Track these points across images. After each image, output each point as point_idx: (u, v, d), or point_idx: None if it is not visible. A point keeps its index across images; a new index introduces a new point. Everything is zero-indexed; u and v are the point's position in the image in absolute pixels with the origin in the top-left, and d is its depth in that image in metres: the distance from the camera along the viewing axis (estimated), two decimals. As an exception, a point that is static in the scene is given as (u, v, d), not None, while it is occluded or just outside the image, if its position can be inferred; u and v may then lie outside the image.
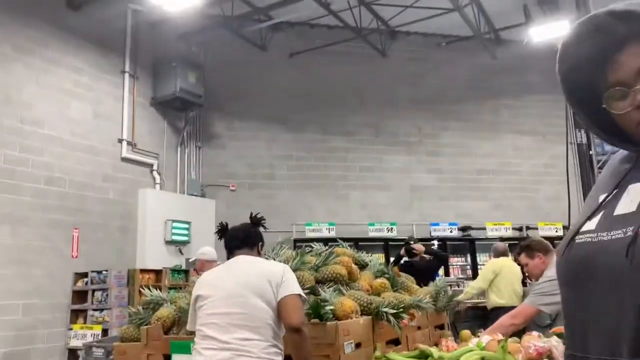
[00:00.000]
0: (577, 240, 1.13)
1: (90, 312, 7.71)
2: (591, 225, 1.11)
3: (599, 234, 1.08)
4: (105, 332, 7.27)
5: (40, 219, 7.82)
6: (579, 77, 1.15)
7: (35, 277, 7.67)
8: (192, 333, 2.65)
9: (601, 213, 1.12)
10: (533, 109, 12.65)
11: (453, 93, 12.33)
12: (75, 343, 7.30)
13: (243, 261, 2.71)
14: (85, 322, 7.65)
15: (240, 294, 2.49)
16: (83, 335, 7.33)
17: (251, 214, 3.01)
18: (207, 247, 6.15)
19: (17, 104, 7.75)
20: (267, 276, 2.55)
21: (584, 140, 12.02)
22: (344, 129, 11.79)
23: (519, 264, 5.67)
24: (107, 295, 7.66)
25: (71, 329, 7.62)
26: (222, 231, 2.93)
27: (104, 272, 7.87)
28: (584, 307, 1.09)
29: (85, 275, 8.03)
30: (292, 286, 2.56)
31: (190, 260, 6.10)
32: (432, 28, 11.74)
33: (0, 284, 7.24)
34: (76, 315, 7.91)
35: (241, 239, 2.80)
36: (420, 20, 10.91)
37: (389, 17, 11.12)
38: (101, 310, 7.63)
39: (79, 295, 7.97)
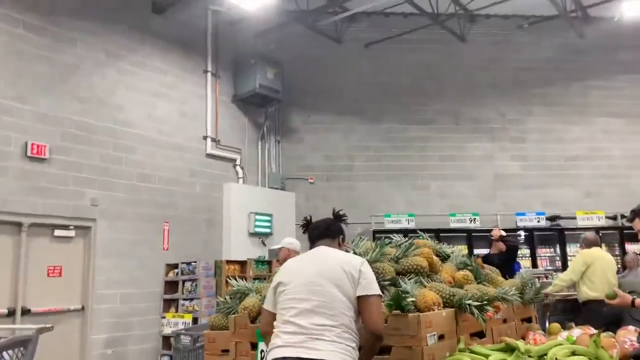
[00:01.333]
0: None
1: (181, 302, 8.13)
2: None
3: None
4: (195, 320, 7.64)
5: (133, 213, 8.32)
6: None
7: (130, 269, 8.18)
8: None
9: None
10: (625, 89, 11.84)
11: (537, 76, 11.78)
12: (168, 330, 7.73)
13: (323, 251, 2.80)
14: (177, 311, 8.07)
15: (319, 283, 2.55)
16: (175, 323, 7.74)
17: (334, 209, 3.14)
18: (292, 237, 6.27)
19: (110, 106, 8.27)
20: (345, 266, 2.59)
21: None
22: (423, 118, 11.60)
23: (628, 231, 5.32)
24: (196, 285, 8.04)
25: (164, 317, 8.07)
26: (307, 224, 3.08)
27: (192, 263, 8.26)
28: None
29: (175, 266, 8.47)
30: (373, 285, 2.59)
31: (274, 248, 6.23)
32: (513, 9, 11.27)
33: (100, 275, 7.80)
34: (168, 304, 8.36)
35: (322, 230, 2.92)
36: (501, 2, 10.49)
37: (467, 1, 10.78)
38: (191, 299, 8.01)
39: (171, 285, 8.42)
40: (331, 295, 2.52)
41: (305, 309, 2.50)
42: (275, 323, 2.62)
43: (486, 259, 6.23)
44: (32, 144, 7.14)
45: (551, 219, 10.78)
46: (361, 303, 2.52)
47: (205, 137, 9.70)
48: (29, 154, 7.09)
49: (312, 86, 11.31)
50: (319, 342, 2.40)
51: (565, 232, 10.66)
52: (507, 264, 6.40)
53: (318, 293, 2.53)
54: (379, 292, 2.59)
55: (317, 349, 2.38)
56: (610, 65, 11.84)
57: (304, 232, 3.07)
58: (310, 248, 2.92)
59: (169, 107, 9.18)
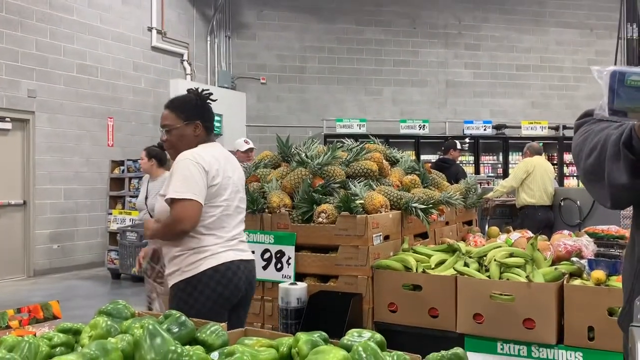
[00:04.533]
0: None
1: (127, 199, 8.04)
2: None
3: None
4: (142, 217, 7.61)
5: (75, 107, 7.94)
6: None
7: (74, 164, 7.94)
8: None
9: None
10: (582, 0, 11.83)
11: (497, -19, 11.56)
12: (114, 227, 7.69)
13: (228, 153, 2.60)
14: (123, 208, 8.00)
15: (239, 190, 2.53)
16: (122, 219, 7.69)
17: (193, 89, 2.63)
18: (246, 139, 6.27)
19: (44, -12, 7.59)
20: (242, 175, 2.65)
21: (635, 36, 11.32)
22: (380, 19, 11.28)
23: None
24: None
25: (110, 214, 8.00)
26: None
27: (139, 160, 8.06)
28: None
29: (121, 163, 8.27)
30: None
31: (243, 150, 6.09)
32: None
33: (41, 170, 7.54)
34: (115, 201, 8.26)
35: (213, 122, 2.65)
36: None
37: None
38: (138, 196, 7.92)
39: (117, 182, 8.27)
40: (244, 203, 2.56)
41: (234, 208, 2.45)
42: (201, 222, 2.35)
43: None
44: (-43, 27, 6.54)
45: (497, 127, 11.05)
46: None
47: (150, 29, 9.14)
48: (-46, 37, 6.51)
49: (266, -21, 10.69)
50: (243, 244, 2.48)
51: (509, 141, 11.00)
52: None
53: (241, 200, 2.52)
54: None
55: (245, 250, 2.46)
56: (569, -26, 11.72)
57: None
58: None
59: (110, -7, 8.51)
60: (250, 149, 6.20)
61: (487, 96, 11.59)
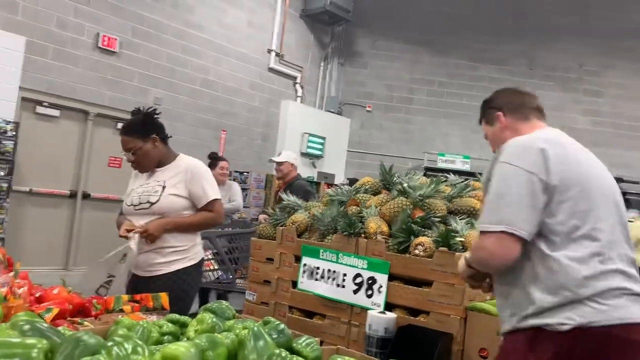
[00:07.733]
0: None
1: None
2: None
3: None
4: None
5: (193, 117, 8.50)
6: None
7: (186, 170, 8.46)
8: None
9: None
10: None
11: (626, 26, 10.90)
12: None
13: None
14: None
15: None
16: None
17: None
18: (294, 152, 6.06)
19: (182, 7, 8.25)
20: None
21: None
22: (494, 57, 11.06)
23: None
24: (246, 194, 8.28)
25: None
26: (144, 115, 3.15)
27: (245, 173, 8.46)
28: None
29: (229, 174, 8.71)
30: None
31: (275, 160, 5.95)
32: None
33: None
34: (217, 209, 8.67)
35: None
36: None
37: None
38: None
39: (221, 192, 8.70)
40: None
41: None
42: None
43: None
44: (104, 36, 7.27)
45: (616, 180, 10.34)
46: None
47: (269, 51, 9.62)
48: (100, 45, 7.24)
49: (383, 10, 10.89)
50: None
51: (627, 197, 10.25)
52: None
53: None
54: None
55: None
56: None
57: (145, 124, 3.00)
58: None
59: (238, 15, 9.09)
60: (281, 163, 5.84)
61: (606, 146, 10.87)
